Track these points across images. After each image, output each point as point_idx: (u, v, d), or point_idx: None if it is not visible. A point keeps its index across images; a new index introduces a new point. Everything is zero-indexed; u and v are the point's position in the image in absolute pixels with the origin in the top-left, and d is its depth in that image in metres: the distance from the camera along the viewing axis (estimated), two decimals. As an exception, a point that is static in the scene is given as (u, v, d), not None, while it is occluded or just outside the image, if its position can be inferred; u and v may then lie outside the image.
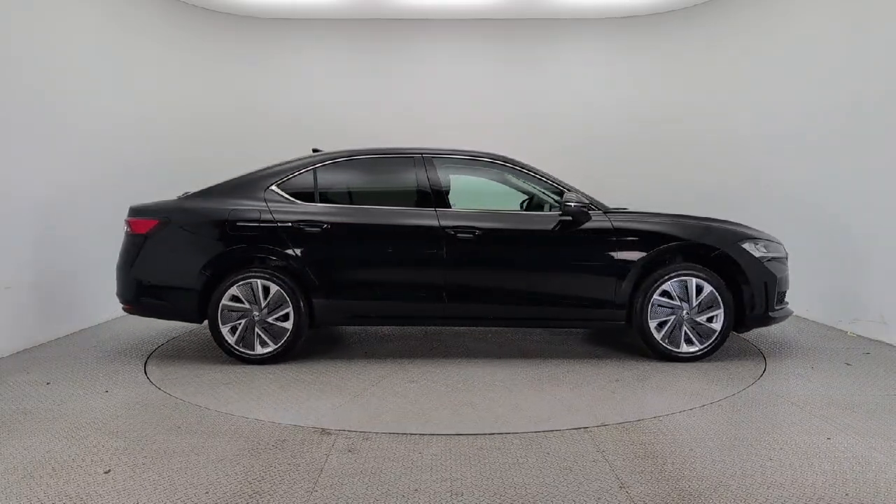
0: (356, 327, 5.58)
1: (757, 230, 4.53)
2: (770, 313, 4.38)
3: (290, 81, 7.74)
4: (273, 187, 4.49)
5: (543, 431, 3.15)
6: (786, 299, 4.60)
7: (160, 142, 6.73)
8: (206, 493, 2.51)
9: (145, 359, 4.56)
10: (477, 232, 4.32)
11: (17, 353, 4.71)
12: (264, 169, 4.62)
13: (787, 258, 4.60)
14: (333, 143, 6.53)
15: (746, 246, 4.35)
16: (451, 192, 4.60)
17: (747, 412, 3.42)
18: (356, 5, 7.26)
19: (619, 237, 4.34)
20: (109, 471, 2.71)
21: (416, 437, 3.10)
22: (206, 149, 7.32)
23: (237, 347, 4.34)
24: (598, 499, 2.47)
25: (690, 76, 7.32)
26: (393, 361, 4.51)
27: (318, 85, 7.76)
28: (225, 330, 4.33)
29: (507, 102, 7.71)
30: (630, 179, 7.42)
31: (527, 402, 3.59)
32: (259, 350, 4.35)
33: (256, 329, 4.33)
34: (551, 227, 4.37)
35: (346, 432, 3.15)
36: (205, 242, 4.38)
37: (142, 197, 6.40)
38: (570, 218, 4.35)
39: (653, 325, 4.34)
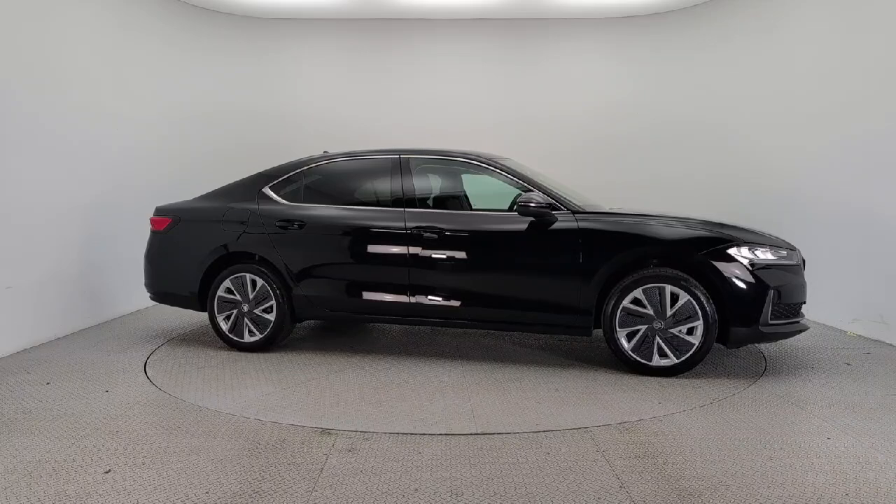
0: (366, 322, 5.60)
1: (758, 233, 4.16)
2: (762, 328, 3.90)
3: (289, 81, 7.74)
4: (266, 189, 4.83)
5: (544, 431, 3.15)
6: (800, 313, 4.16)
7: (159, 142, 6.73)
8: (206, 493, 2.51)
9: (145, 359, 4.56)
10: (445, 232, 4.33)
11: (17, 352, 4.70)
12: (262, 172, 4.96)
13: (799, 265, 4.13)
14: (333, 144, 6.57)
15: (733, 251, 3.92)
16: (428, 192, 4.69)
17: (747, 412, 3.42)
18: (356, 5, 7.26)
19: (585, 239, 4.08)
20: (109, 471, 2.71)
21: (416, 437, 3.10)
22: (206, 149, 7.32)
23: (229, 335, 4.75)
24: (598, 499, 2.47)
25: (691, 76, 7.31)
26: (360, 357, 4.62)
27: (318, 85, 7.77)
28: (220, 318, 4.76)
29: (508, 102, 7.70)
30: (631, 179, 7.41)
31: (436, 406, 3.55)
32: (247, 338, 4.71)
33: (245, 319, 4.70)
34: (515, 227, 4.23)
35: (347, 432, 3.15)
36: (205, 239, 4.80)
37: (140, 199, 6.43)
38: (533, 218, 4.18)
39: (622, 334, 4.05)
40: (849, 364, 4.37)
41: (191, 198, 5.16)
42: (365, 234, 4.49)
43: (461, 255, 4.32)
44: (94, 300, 5.69)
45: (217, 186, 5.13)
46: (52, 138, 5.10)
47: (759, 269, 3.92)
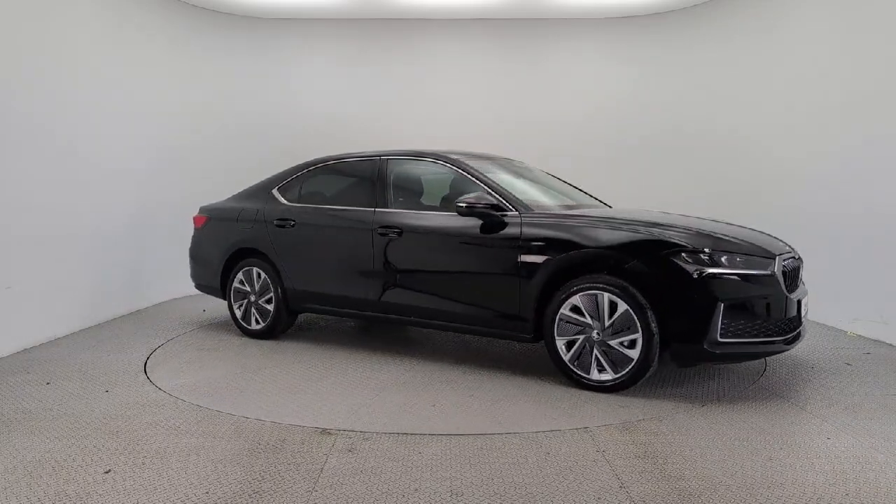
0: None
1: (728, 239, 3.69)
2: (709, 347, 3.43)
3: (289, 81, 7.73)
4: (274, 190, 5.24)
5: (544, 431, 3.15)
6: (782, 331, 3.60)
7: (158, 143, 6.72)
8: (206, 493, 2.51)
9: (145, 359, 4.56)
10: (405, 232, 4.38)
11: (17, 352, 4.70)
12: (275, 174, 5.40)
13: (773, 276, 3.57)
14: (333, 144, 6.61)
15: (678, 257, 3.49)
16: (400, 193, 4.73)
17: (747, 412, 3.42)
18: (356, 5, 7.25)
19: (525, 241, 3.88)
20: (109, 471, 2.71)
21: (416, 437, 3.10)
22: (206, 149, 7.32)
23: (241, 321, 5.26)
24: (598, 499, 2.47)
25: (691, 76, 7.31)
26: (332, 351, 4.80)
27: (318, 85, 7.76)
28: (235, 307, 5.28)
29: (508, 102, 7.70)
30: (630, 178, 7.41)
31: (332, 401, 3.62)
32: (253, 326, 5.18)
33: (252, 309, 5.16)
34: (468, 228, 4.11)
35: (347, 432, 3.15)
36: (225, 236, 5.33)
37: (139, 199, 6.46)
38: (478, 218, 4.06)
39: (561, 343, 3.79)
40: (849, 364, 4.36)
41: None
42: (341, 233, 4.69)
43: (419, 254, 4.36)
44: (94, 300, 5.69)
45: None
46: (51, 139, 5.10)
47: (707, 278, 3.44)
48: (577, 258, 3.75)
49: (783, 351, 3.70)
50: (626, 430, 3.17)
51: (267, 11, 7.46)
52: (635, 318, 3.52)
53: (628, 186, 7.26)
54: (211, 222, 5.47)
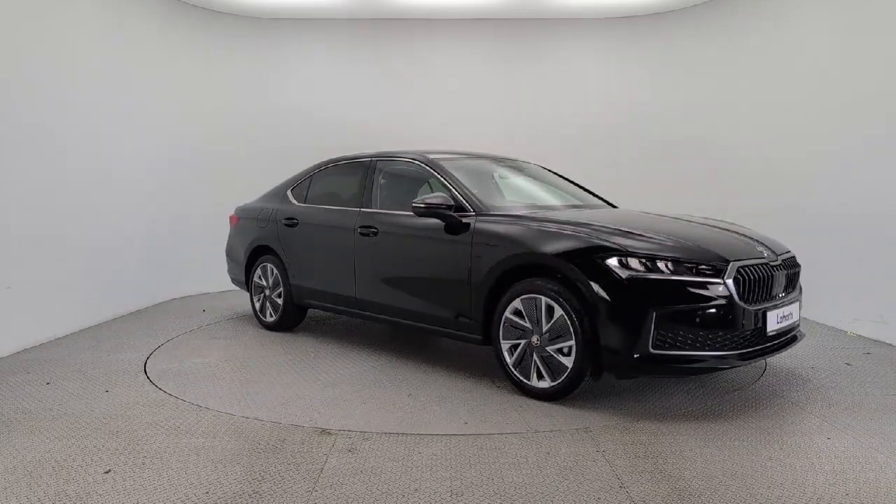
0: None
1: (674, 240, 3.40)
2: (640, 358, 3.18)
3: (289, 81, 7.74)
4: (287, 191, 5.51)
5: (544, 432, 3.15)
6: (737, 344, 3.24)
7: (159, 143, 6.73)
8: (206, 493, 2.51)
9: (145, 359, 4.56)
10: (381, 232, 4.46)
11: (17, 352, 4.70)
12: (292, 176, 5.64)
13: (722, 284, 3.21)
14: (332, 144, 6.62)
15: (611, 261, 3.26)
16: (384, 193, 4.72)
17: (747, 412, 3.42)
18: (357, 5, 7.25)
19: (476, 243, 3.83)
20: (109, 471, 2.71)
21: (416, 437, 3.10)
22: (206, 150, 7.32)
23: (258, 314, 5.60)
24: (598, 499, 2.47)
25: (691, 76, 7.31)
26: (317, 347, 4.96)
27: (319, 85, 7.76)
28: (255, 300, 5.66)
29: (508, 102, 7.70)
30: (630, 178, 7.40)
31: (269, 393, 3.76)
32: (268, 319, 5.51)
33: (267, 302, 5.49)
34: (433, 228, 4.09)
35: (346, 432, 3.15)
36: (248, 234, 5.66)
37: (141, 200, 6.44)
38: (437, 219, 4.05)
39: (505, 347, 3.69)
40: (849, 364, 4.36)
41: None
42: (331, 232, 4.85)
43: (392, 254, 4.41)
44: (94, 300, 5.69)
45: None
46: (51, 139, 5.10)
47: (639, 283, 3.20)
48: (515, 260, 3.66)
49: (736, 366, 3.31)
50: (626, 430, 3.17)
51: (267, 11, 7.46)
52: (569, 324, 3.36)
53: (628, 185, 7.24)
54: (240, 221, 5.84)
